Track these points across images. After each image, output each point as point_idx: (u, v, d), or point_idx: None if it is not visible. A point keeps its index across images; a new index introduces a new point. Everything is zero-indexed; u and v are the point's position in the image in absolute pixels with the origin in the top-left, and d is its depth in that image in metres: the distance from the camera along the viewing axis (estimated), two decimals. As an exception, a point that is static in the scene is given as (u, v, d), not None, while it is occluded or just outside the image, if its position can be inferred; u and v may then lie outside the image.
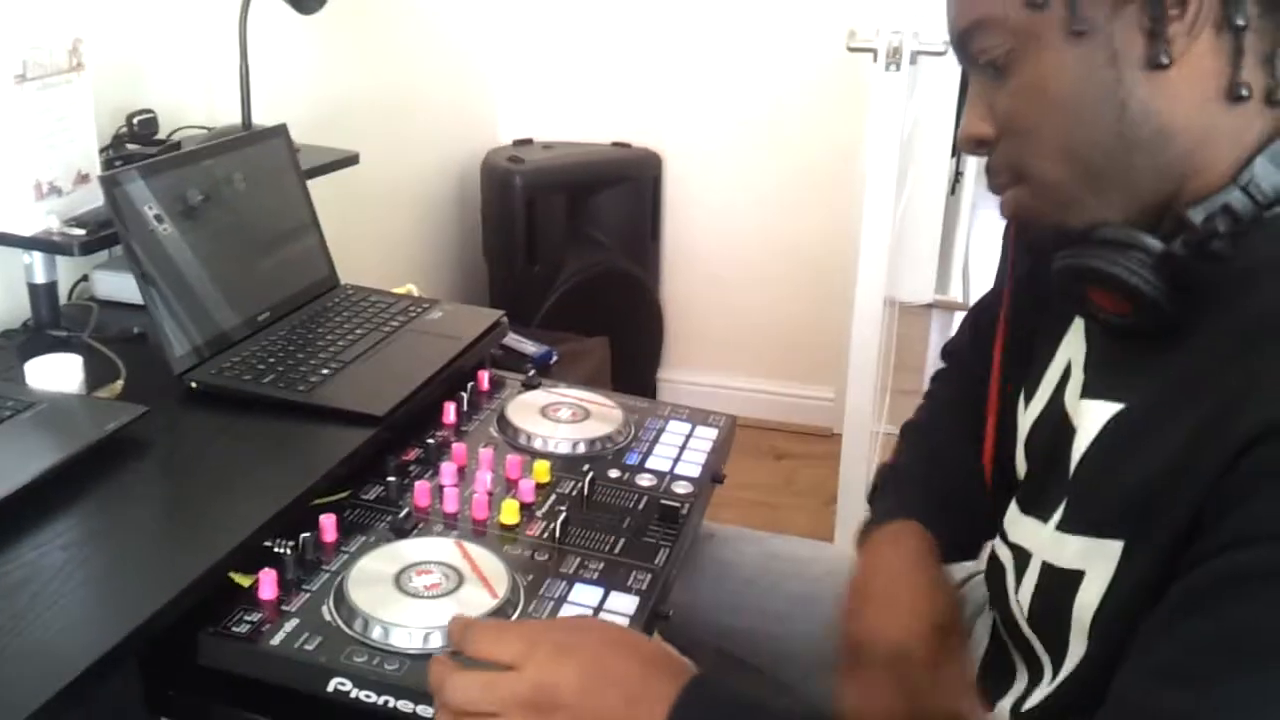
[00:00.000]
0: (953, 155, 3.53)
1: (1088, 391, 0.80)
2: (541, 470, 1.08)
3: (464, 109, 2.75)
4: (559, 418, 1.20)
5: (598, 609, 0.91)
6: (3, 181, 1.21)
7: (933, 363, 3.37)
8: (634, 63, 2.77)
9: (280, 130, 1.41)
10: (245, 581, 0.89)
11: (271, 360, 1.19)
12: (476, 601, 0.88)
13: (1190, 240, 0.69)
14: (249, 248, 1.30)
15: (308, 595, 0.89)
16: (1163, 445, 0.68)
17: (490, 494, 1.04)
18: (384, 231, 2.36)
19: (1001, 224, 0.91)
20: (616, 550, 0.99)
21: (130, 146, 1.46)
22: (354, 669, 0.81)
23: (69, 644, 0.77)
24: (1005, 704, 0.86)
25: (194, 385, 1.14)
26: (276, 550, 0.91)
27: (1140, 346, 0.75)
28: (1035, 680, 0.83)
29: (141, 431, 1.04)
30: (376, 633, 0.83)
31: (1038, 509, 0.83)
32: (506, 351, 2.12)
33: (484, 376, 1.29)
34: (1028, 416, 0.90)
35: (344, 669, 0.81)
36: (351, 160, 1.73)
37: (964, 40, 0.76)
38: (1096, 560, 0.73)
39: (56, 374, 1.11)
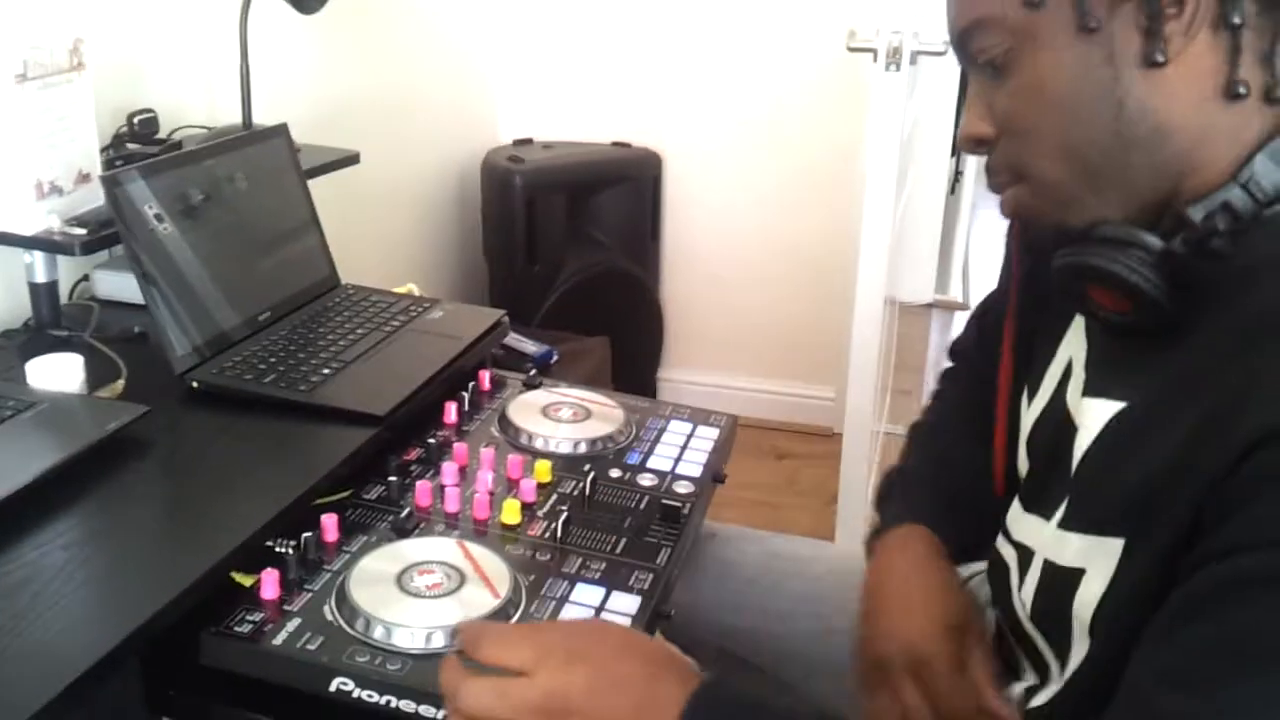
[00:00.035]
0: (953, 155, 3.53)
1: (1089, 390, 0.80)
2: (543, 470, 1.08)
3: (464, 109, 2.75)
4: (560, 417, 1.20)
5: (599, 609, 0.91)
6: (4, 181, 1.21)
7: (933, 362, 3.39)
8: (634, 63, 2.77)
9: (281, 130, 1.41)
10: (247, 581, 0.89)
11: (273, 360, 1.19)
12: (478, 601, 0.88)
13: (1190, 238, 0.69)
14: (250, 247, 1.30)
15: (309, 595, 0.89)
16: (1163, 444, 0.69)
17: (492, 494, 1.04)
18: (384, 231, 2.36)
19: (1002, 223, 0.92)
20: (618, 550, 0.99)
21: (131, 146, 1.46)
22: (356, 669, 0.81)
23: (70, 644, 0.77)
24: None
25: (195, 385, 1.14)
26: (278, 550, 0.91)
27: (1141, 345, 0.75)
28: (1043, 679, 0.83)
29: (142, 431, 1.04)
30: (379, 632, 0.84)
31: (1040, 507, 0.83)
32: (507, 351, 2.12)
33: (485, 376, 1.29)
34: (1030, 414, 0.90)
35: (346, 669, 0.81)
36: (352, 160, 1.73)
37: (963, 40, 0.76)
38: (1097, 558, 0.73)
39: (57, 374, 1.11)
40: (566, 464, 1.13)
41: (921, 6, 1.86)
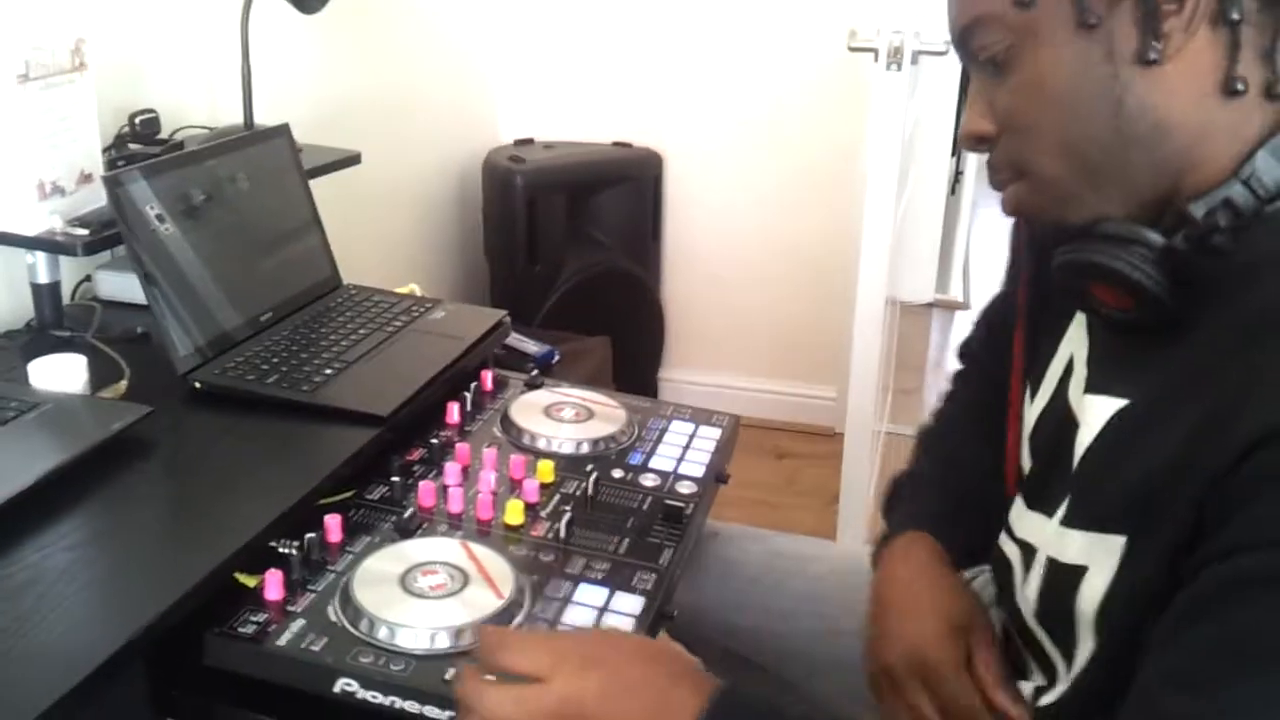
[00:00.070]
0: (953, 154, 3.53)
1: (1090, 387, 0.80)
2: (545, 470, 1.08)
3: (465, 109, 2.75)
4: (562, 418, 1.20)
5: (603, 609, 0.91)
6: (6, 181, 1.21)
7: (934, 362, 3.40)
8: (634, 63, 2.77)
9: (282, 130, 1.41)
10: (250, 582, 0.89)
11: (275, 360, 1.19)
12: (482, 602, 0.88)
13: (1192, 235, 0.69)
14: (252, 248, 1.30)
15: (313, 596, 0.89)
16: (1165, 441, 0.69)
17: (495, 494, 1.04)
18: (385, 231, 2.36)
19: (1004, 223, 0.92)
20: (621, 550, 0.99)
21: (133, 146, 1.46)
22: (360, 669, 0.81)
23: (74, 645, 0.77)
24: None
25: (198, 385, 1.14)
26: (282, 551, 0.91)
27: (1142, 341, 0.75)
28: (1050, 679, 0.83)
29: (146, 432, 1.04)
30: (383, 633, 0.84)
31: (1042, 504, 0.83)
32: (508, 351, 2.11)
33: (487, 376, 1.29)
34: (1032, 412, 0.90)
35: (350, 669, 0.81)
36: (353, 160, 1.73)
37: (964, 38, 0.76)
38: (1100, 555, 0.73)
39: (60, 374, 1.11)
40: (569, 464, 1.13)
41: (922, 6, 1.86)
